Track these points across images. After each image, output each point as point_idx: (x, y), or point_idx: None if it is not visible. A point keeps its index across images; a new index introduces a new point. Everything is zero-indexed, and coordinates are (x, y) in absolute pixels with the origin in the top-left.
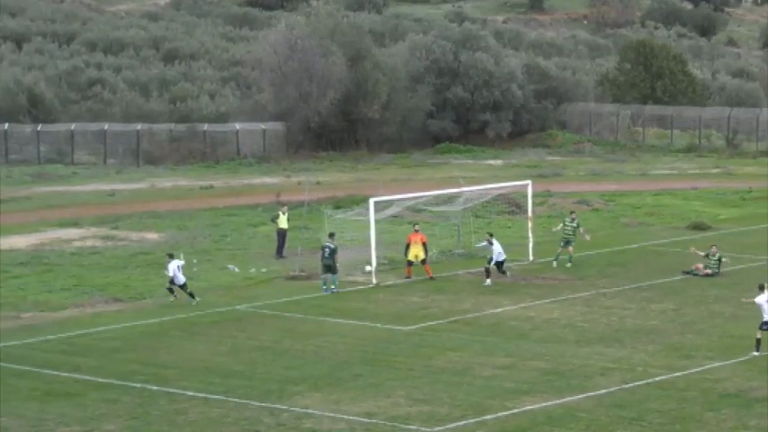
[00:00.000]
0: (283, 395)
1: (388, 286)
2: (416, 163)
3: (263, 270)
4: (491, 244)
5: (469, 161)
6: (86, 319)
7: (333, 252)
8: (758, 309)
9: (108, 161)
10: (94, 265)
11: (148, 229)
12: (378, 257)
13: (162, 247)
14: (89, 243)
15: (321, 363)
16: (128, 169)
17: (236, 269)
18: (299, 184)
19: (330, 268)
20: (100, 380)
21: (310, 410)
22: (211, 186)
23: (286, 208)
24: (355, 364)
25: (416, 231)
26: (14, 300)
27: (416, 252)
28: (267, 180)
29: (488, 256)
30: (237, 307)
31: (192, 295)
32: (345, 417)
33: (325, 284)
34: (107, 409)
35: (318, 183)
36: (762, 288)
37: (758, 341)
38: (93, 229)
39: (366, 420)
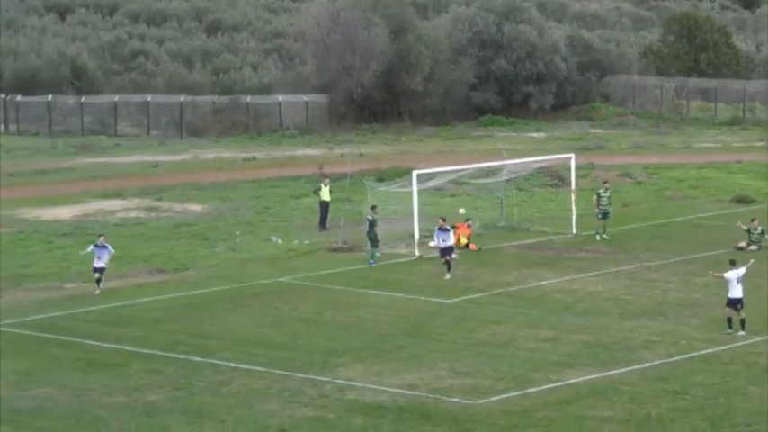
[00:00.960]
0: (326, 367)
1: (431, 258)
2: (459, 135)
3: (306, 242)
4: (447, 231)
5: (512, 134)
6: (129, 290)
7: (372, 224)
8: (726, 284)
9: (151, 133)
10: (137, 236)
11: (191, 200)
12: (420, 230)
13: (205, 219)
14: (132, 214)
15: (363, 334)
16: (171, 141)
17: (279, 241)
18: (341, 156)
19: (371, 240)
20: (143, 350)
21: (353, 382)
22: (254, 158)
23: (328, 180)
24: (398, 336)
25: (469, 226)
26: (58, 270)
27: (461, 238)
28: (310, 152)
29: (441, 246)
30: (280, 279)
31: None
32: (388, 389)
33: (372, 257)
34: (150, 380)
35: (361, 155)
36: (732, 263)
37: (729, 320)
38: (137, 201)
39: (408, 392)
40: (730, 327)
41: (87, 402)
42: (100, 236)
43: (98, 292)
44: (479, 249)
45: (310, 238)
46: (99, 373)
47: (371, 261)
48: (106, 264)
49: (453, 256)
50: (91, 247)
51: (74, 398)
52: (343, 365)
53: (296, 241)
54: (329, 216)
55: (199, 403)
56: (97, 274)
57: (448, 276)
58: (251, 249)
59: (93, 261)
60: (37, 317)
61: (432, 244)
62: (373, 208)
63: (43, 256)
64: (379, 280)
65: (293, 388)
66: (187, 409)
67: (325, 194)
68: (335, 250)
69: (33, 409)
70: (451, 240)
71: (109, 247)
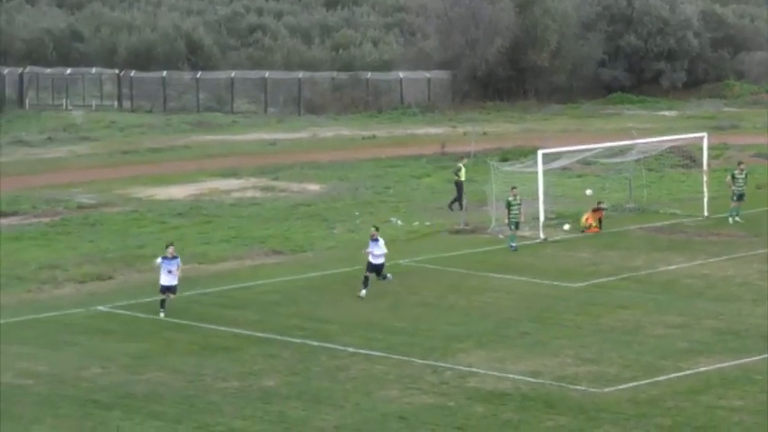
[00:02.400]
0: (447, 353)
1: (557, 241)
2: (587, 113)
3: (427, 223)
4: (376, 241)
5: (642, 112)
6: (245, 272)
7: (509, 205)
8: None
9: (268, 110)
10: (254, 216)
11: (309, 179)
12: (545, 211)
13: (323, 199)
14: (249, 194)
15: (486, 320)
16: (289, 118)
17: (399, 222)
18: (464, 134)
19: (512, 224)
20: (259, 334)
21: (474, 368)
22: (374, 136)
23: (466, 160)
24: (521, 322)
25: (601, 209)
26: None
27: (592, 221)
28: (431, 130)
29: (369, 260)
30: (400, 261)
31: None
32: (510, 376)
33: (513, 240)
34: (266, 365)
35: (485, 133)
36: None
37: None
38: (253, 180)
39: (532, 380)
40: None
41: (201, 387)
42: (169, 246)
43: (163, 315)
44: (600, 228)
45: (432, 219)
46: (213, 357)
47: (512, 245)
48: (178, 280)
49: (389, 276)
50: (159, 259)
51: (187, 383)
52: (464, 351)
53: (416, 222)
54: (465, 197)
55: (315, 389)
56: (167, 294)
57: (363, 294)
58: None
59: (160, 278)
60: (151, 299)
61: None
62: (513, 189)
63: (157, 237)
64: (503, 263)
65: (412, 374)
66: (303, 395)
67: (463, 175)
68: (457, 232)
69: (146, 393)
70: (382, 251)
71: (178, 259)
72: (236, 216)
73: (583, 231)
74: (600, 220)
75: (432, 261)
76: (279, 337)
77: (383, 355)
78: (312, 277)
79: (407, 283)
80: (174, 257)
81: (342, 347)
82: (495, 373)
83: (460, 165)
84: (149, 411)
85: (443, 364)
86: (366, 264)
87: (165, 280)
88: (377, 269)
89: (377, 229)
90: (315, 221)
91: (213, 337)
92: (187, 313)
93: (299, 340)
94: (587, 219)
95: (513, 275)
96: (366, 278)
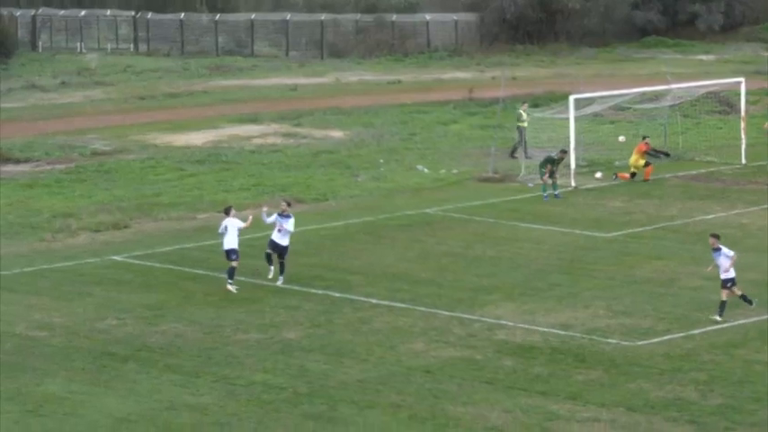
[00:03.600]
0: (474, 304)
1: (588, 190)
2: (620, 57)
3: (454, 171)
4: (288, 217)
5: (678, 56)
6: None
7: (552, 161)
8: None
9: (290, 53)
10: (275, 163)
11: (332, 126)
12: (576, 158)
13: (347, 146)
14: (269, 140)
15: (515, 270)
16: (311, 62)
17: (426, 170)
18: (493, 79)
19: (548, 174)
20: (280, 285)
21: (503, 321)
22: (399, 81)
23: (526, 105)
24: (552, 273)
25: (647, 143)
26: (190, 199)
27: (635, 161)
28: (459, 75)
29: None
30: (426, 210)
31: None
32: (540, 328)
33: (545, 190)
34: (287, 316)
35: (514, 78)
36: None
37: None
38: (274, 126)
39: (562, 332)
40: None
41: (220, 339)
42: (284, 201)
43: (271, 275)
44: (632, 177)
45: (459, 166)
46: (233, 308)
47: (555, 193)
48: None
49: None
50: (274, 215)
51: (205, 334)
52: (492, 303)
53: (443, 170)
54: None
55: (338, 342)
56: (272, 255)
57: (271, 276)
58: (395, 179)
59: (273, 234)
60: (168, 248)
61: (267, 218)
62: (563, 152)
63: (175, 185)
64: (533, 212)
65: (439, 327)
66: (326, 348)
67: (525, 119)
68: (486, 180)
69: (163, 345)
70: (289, 231)
71: (293, 217)
72: (256, 163)
73: (632, 176)
74: (648, 153)
75: (459, 210)
76: (301, 289)
77: (408, 306)
78: (335, 226)
79: (434, 233)
80: (288, 215)
81: (365, 299)
82: (525, 326)
83: (521, 110)
84: (166, 364)
85: (471, 317)
86: (268, 241)
87: (276, 237)
88: (280, 250)
89: (288, 204)
90: (338, 169)
91: None
92: (205, 263)
93: (321, 291)
94: (636, 158)
95: (543, 225)
96: (269, 255)
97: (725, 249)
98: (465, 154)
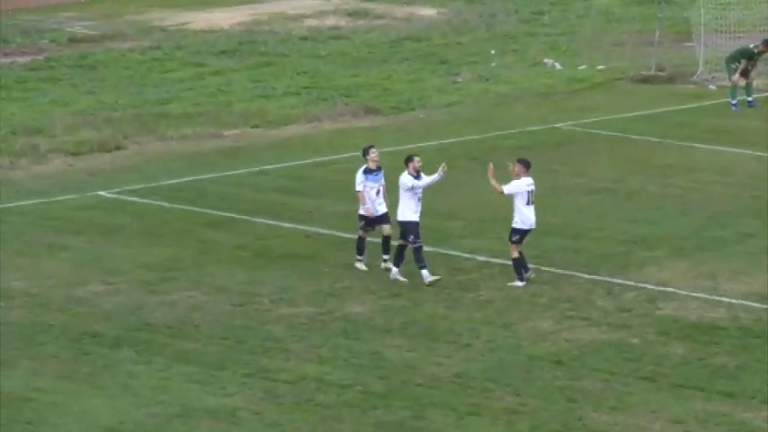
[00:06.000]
0: (628, 264)
1: None
2: None
3: (600, 67)
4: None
5: None
6: (322, 141)
7: (748, 55)
8: None
9: None
10: (336, 55)
11: (420, 0)
12: None
13: (441, 31)
14: (328, 21)
15: (688, 215)
16: None
17: (558, 65)
18: None
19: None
20: (341, 234)
21: (669, 288)
22: None
23: None
24: (741, 218)
25: None
26: (213, 109)
27: None
28: None
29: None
30: (557, 125)
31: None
32: (725, 299)
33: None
34: (353, 281)
35: None
36: None
37: None
38: (335, 0)
39: (757, 305)
40: None
41: (255, 315)
42: (370, 148)
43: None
44: None
45: (607, 60)
46: (273, 268)
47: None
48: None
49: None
50: (360, 174)
51: (233, 307)
52: (654, 262)
53: (584, 66)
54: None
55: (427, 319)
56: (368, 231)
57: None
58: (512, 79)
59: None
60: (180, 180)
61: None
62: (766, 43)
63: (191, 86)
64: (715, 128)
65: (575, 296)
66: (408, 327)
67: None
68: (645, 81)
69: (172, 323)
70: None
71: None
72: (309, 56)
73: None
74: None
75: (606, 124)
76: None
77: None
78: (424, 148)
79: (568, 159)
80: (379, 169)
81: (467, 255)
82: (702, 295)
83: None
84: (177, 351)
85: (623, 281)
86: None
87: (377, 205)
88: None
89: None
90: (428, 65)
91: (272, 239)
92: (234, 202)
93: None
94: None
95: (727, 147)
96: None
97: None
98: (615, 42)
